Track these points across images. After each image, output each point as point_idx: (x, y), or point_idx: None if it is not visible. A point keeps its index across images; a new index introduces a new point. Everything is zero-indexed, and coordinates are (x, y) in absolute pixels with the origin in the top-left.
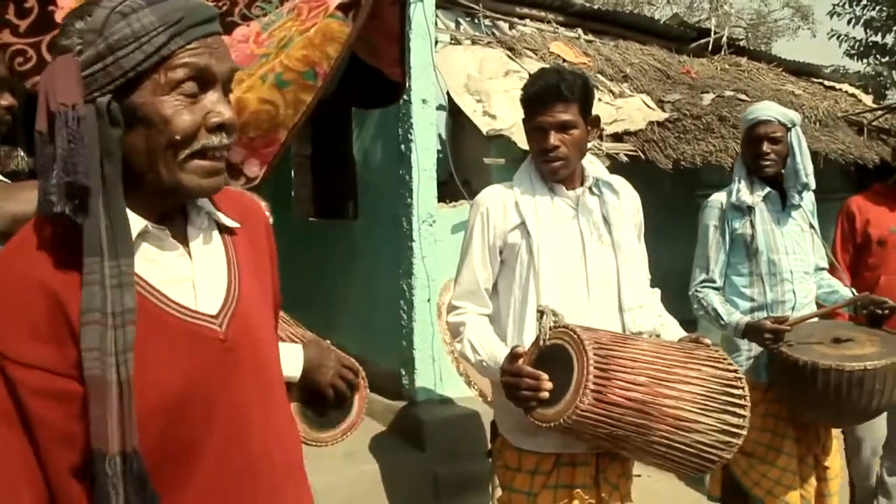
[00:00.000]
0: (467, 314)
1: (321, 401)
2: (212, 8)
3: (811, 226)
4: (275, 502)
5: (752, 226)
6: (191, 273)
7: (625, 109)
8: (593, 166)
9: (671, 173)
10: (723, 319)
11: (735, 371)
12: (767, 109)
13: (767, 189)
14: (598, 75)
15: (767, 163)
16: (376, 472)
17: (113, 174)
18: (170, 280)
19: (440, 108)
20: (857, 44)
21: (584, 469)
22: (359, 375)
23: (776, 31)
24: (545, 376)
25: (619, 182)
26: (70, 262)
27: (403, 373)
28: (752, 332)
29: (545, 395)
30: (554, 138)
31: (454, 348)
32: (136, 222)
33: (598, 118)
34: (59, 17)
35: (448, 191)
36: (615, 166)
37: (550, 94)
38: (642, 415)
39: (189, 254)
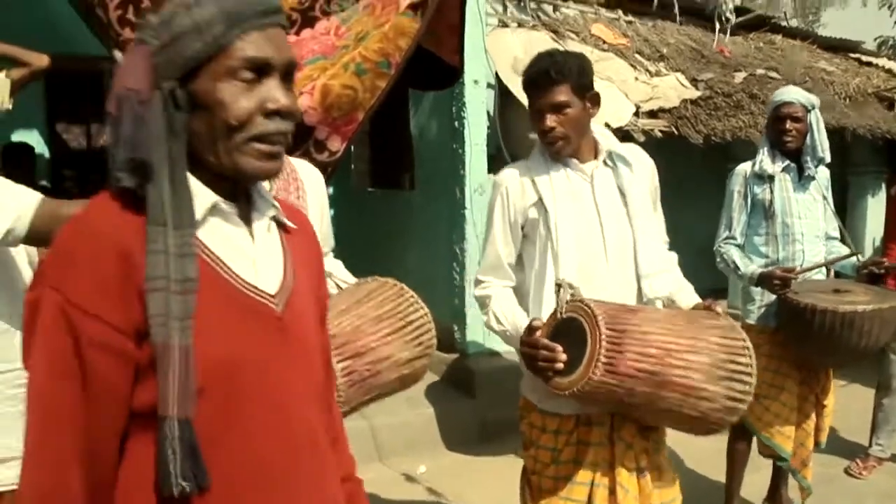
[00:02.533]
0: (492, 287)
1: None
2: (274, 1)
3: (824, 197)
4: (315, 484)
5: (771, 192)
6: (252, 252)
7: (660, 88)
8: (606, 139)
9: (702, 148)
10: (740, 270)
11: (743, 340)
12: (792, 93)
13: (787, 161)
14: (637, 55)
15: (789, 139)
16: (432, 415)
17: (178, 153)
18: (234, 254)
19: (489, 86)
20: None
21: (599, 429)
22: None
23: (825, 1)
24: (560, 348)
25: (633, 151)
26: (140, 230)
27: (456, 328)
28: (764, 280)
29: (560, 366)
30: (550, 119)
31: None
32: (208, 197)
33: (597, 94)
34: None
35: (497, 163)
36: (650, 141)
37: (542, 77)
38: (653, 384)
39: (252, 235)
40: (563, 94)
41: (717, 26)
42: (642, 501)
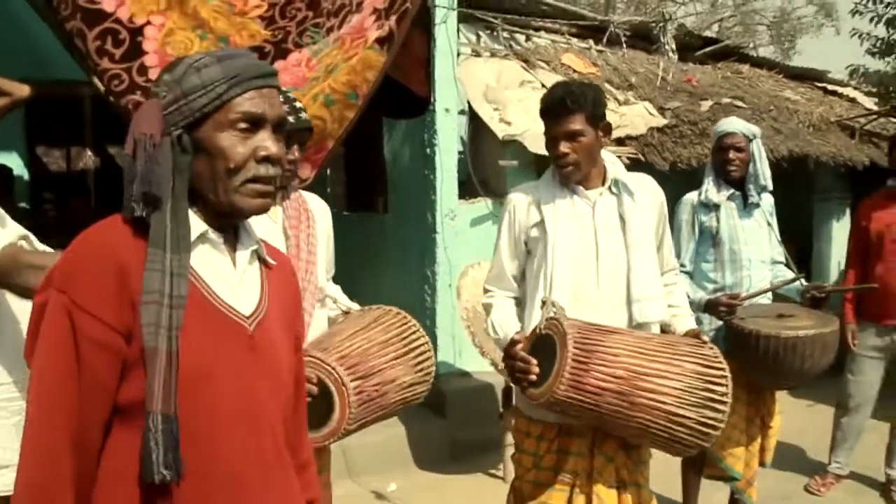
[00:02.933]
0: (495, 297)
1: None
2: (270, 67)
3: (768, 223)
4: (274, 488)
5: (718, 220)
6: (233, 277)
7: (628, 116)
8: (615, 167)
9: (668, 174)
10: (689, 297)
11: (722, 369)
12: (734, 124)
13: (732, 190)
14: (606, 84)
15: (733, 168)
16: (403, 434)
17: (181, 188)
18: (217, 277)
19: (461, 113)
20: (880, 42)
21: (579, 440)
22: (334, 386)
23: (800, 28)
24: (534, 361)
25: (642, 181)
26: (140, 250)
27: None
28: (710, 307)
29: (533, 377)
30: (564, 146)
31: (470, 326)
32: (199, 225)
33: (609, 124)
34: (146, 46)
35: (467, 189)
36: None
37: (558, 106)
38: (619, 404)
39: (234, 262)
40: (577, 123)
41: (662, 54)
42: None
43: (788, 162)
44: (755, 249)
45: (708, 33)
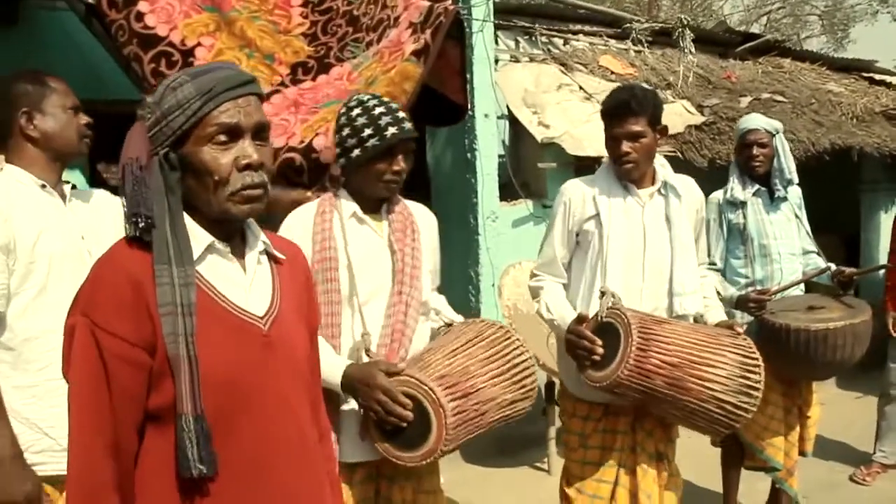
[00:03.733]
0: (545, 280)
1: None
2: (246, 75)
3: (797, 215)
4: (300, 474)
5: (745, 216)
6: (244, 281)
7: (666, 114)
8: (664, 170)
9: (707, 171)
10: (720, 294)
11: (756, 358)
12: (756, 120)
13: (757, 186)
14: (644, 84)
15: (757, 163)
16: None
17: (176, 205)
18: (228, 284)
19: (501, 118)
20: None
21: (624, 418)
22: (431, 407)
23: (853, 16)
24: (599, 342)
25: (686, 183)
26: (149, 265)
27: None
28: (741, 303)
29: (597, 357)
30: (626, 146)
31: (512, 323)
32: (205, 238)
33: (666, 127)
34: (197, 65)
35: (508, 191)
36: None
37: (622, 108)
38: (672, 388)
39: (244, 267)
40: (640, 125)
41: (681, 52)
42: (659, 483)
43: (830, 154)
44: (784, 243)
45: (756, 27)
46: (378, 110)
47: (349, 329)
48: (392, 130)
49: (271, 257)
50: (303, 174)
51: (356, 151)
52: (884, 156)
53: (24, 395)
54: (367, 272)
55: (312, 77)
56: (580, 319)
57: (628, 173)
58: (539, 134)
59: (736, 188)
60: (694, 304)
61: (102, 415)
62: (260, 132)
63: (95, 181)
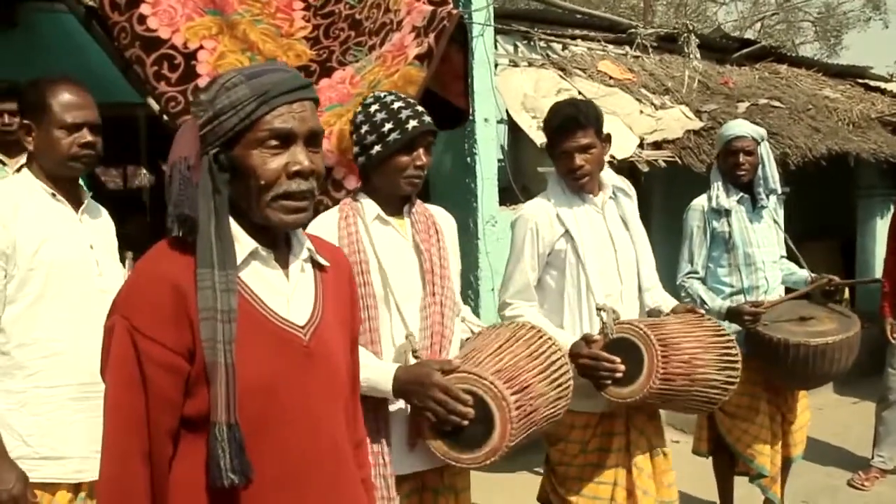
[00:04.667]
0: (521, 307)
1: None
2: (301, 79)
3: (775, 221)
4: (334, 486)
5: (729, 224)
6: (287, 290)
7: (664, 120)
8: (608, 175)
9: (705, 176)
10: (707, 304)
11: (726, 334)
12: (743, 127)
13: (741, 194)
14: (642, 89)
15: (742, 172)
16: None
17: (222, 207)
18: (270, 292)
19: (501, 122)
20: None
21: (619, 420)
22: (493, 402)
23: (846, 23)
24: (618, 360)
25: (626, 182)
26: (191, 269)
27: None
28: (733, 315)
29: (619, 376)
30: (579, 159)
31: None
32: (249, 244)
33: (609, 135)
34: (199, 69)
35: (508, 195)
36: (655, 171)
37: (570, 123)
38: (686, 382)
39: (287, 275)
40: (588, 137)
41: (687, 62)
42: (656, 478)
43: (827, 160)
44: (767, 251)
45: (750, 33)
46: (397, 105)
47: (388, 333)
48: (413, 123)
49: (315, 264)
50: None
51: (377, 147)
52: (879, 162)
53: (10, 400)
54: (398, 273)
55: (315, 81)
56: (588, 341)
57: (583, 186)
58: (538, 138)
59: (721, 196)
60: (657, 297)
61: (137, 419)
62: (313, 139)
63: (93, 184)
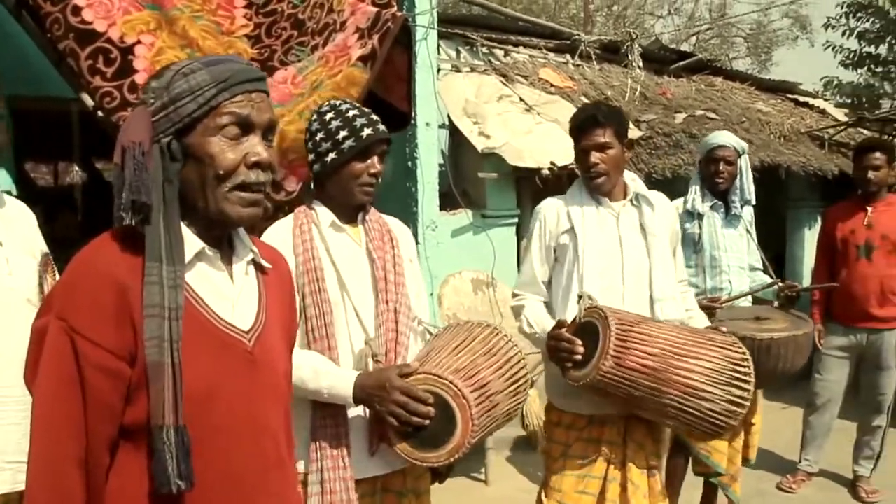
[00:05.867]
0: (526, 299)
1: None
2: (258, 70)
3: (748, 231)
4: (277, 494)
5: (700, 227)
6: (231, 293)
7: None
8: (635, 183)
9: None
10: None
11: (743, 353)
12: (726, 137)
13: (715, 200)
14: (583, 97)
15: (721, 180)
16: None
17: (171, 197)
18: (215, 295)
19: (442, 127)
20: (852, 54)
21: (612, 428)
22: (454, 400)
23: (776, 40)
24: (579, 341)
25: (658, 197)
26: (135, 265)
27: None
28: None
29: (578, 357)
30: (594, 157)
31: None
32: (195, 243)
33: (632, 141)
34: (136, 64)
35: (448, 200)
36: None
37: (589, 121)
38: (655, 380)
39: (232, 278)
40: (606, 136)
41: (628, 67)
42: (651, 500)
43: (760, 172)
44: (735, 256)
45: (686, 46)
46: (352, 113)
47: (346, 339)
48: (368, 131)
49: (258, 267)
50: None
51: (332, 155)
52: (808, 174)
53: None
54: (353, 280)
55: None
56: (559, 325)
57: (599, 186)
58: (480, 144)
59: (696, 199)
60: (675, 310)
61: (74, 426)
62: (270, 131)
63: (22, 181)
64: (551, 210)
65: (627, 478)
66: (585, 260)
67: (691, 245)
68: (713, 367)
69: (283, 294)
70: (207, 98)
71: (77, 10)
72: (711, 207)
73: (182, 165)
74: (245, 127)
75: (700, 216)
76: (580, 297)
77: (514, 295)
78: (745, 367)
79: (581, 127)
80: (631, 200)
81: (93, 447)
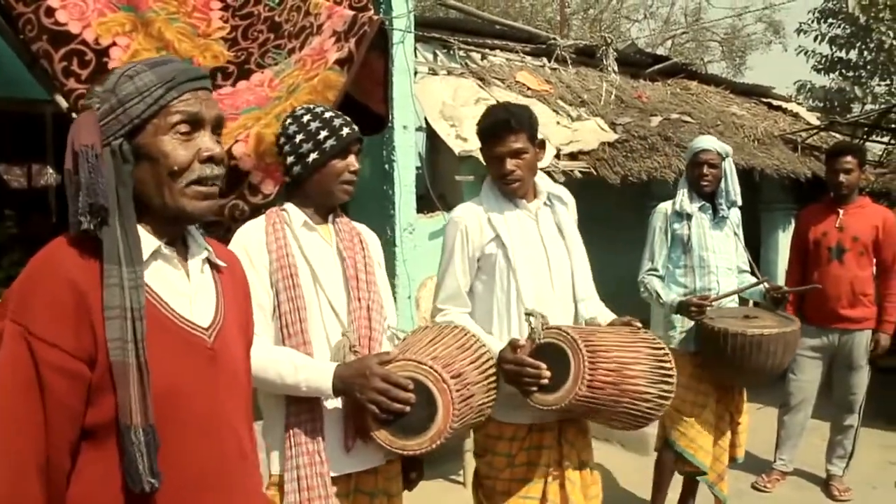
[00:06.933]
0: (452, 313)
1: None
2: (200, 69)
3: (735, 234)
4: (241, 491)
5: (689, 228)
6: (188, 290)
7: (580, 132)
8: (544, 182)
9: (619, 187)
10: (661, 299)
11: (662, 348)
12: (710, 142)
13: (703, 202)
14: (559, 101)
15: (706, 182)
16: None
17: (126, 199)
18: (173, 293)
19: (419, 129)
20: (824, 59)
21: (549, 433)
22: (434, 385)
23: (750, 44)
24: (544, 366)
25: (564, 191)
26: (93, 268)
27: None
28: (682, 307)
29: (545, 382)
30: (510, 164)
31: None
32: (151, 242)
33: (543, 141)
34: (111, 66)
35: (425, 203)
36: (570, 182)
37: (502, 127)
38: (615, 393)
39: (187, 274)
40: (521, 142)
41: (604, 70)
42: (584, 491)
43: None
44: (722, 257)
45: (661, 50)
46: (328, 114)
47: (322, 333)
48: (346, 130)
49: (213, 265)
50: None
51: (314, 155)
52: (782, 177)
53: None
54: (326, 277)
55: (232, 83)
56: (515, 346)
57: (515, 191)
58: (457, 147)
59: (684, 201)
60: (594, 307)
61: (34, 432)
62: (219, 126)
63: None
64: (472, 219)
65: (565, 476)
66: (518, 269)
67: (680, 246)
68: (648, 368)
69: (238, 295)
70: (156, 98)
71: (51, 12)
72: (700, 209)
73: (134, 166)
74: (195, 124)
75: (689, 217)
76: (529, 314)
77: (438, 310)
78: (668, 361)
79: (493, 133)
80: (545, 201)
81: (53, 451)
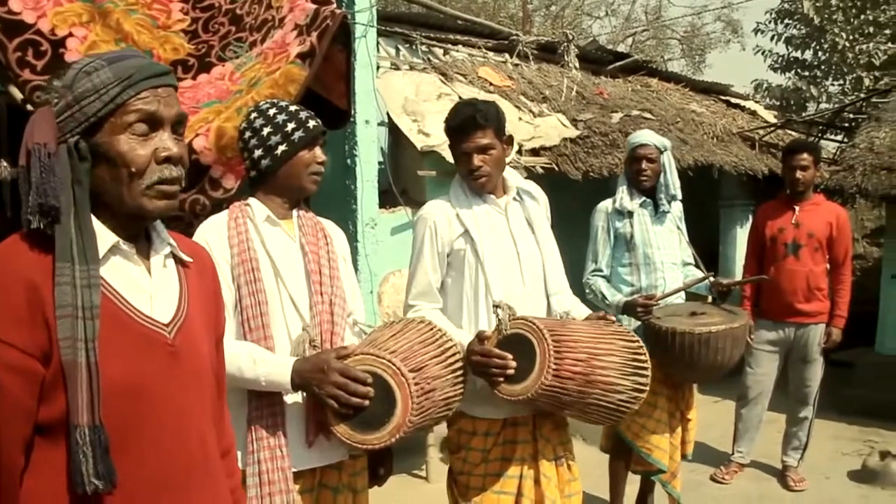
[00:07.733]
0: (424, 310)
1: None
2: (163, 66)
3: (678, 227)
4: (205, 491)
5: (632, 226)
6: (148, 286)
7: (542, 127)
8: (513, 177)
9: (581, 183)
10: (607, 300)
11: (637, 341)
12: (647, 136)
13: (644, 198)
14: (521, 96)
15: (644, 178)
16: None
17: (82, 198)
18: (132, 289)
19: (381, 124)
20: (780, 59)
21: (524, 427)
22: (392, 378)
23: (709, 43)
24: (510, 356)
25: (535, 187)
26: (47, 265)
27: None
28: (628, 308)
29: (511, 372)
30: (477, 160)
31: None
32: (109, 238)
33: (511, 137)
34: (68, 58)
35: (388, 198)
36: (532, 177)
37: (469, 123)
38: (583, 383)
39: (149, 271)
40: (487, 138)
41: (565, 66)
42: (560, 487)
43: (694, 171)
44: (667, 253)
45: (622, 47)
46: (292, 108)
47: (283, 329)
48: (312, 123)
49: (178, 260)
50: None
51: (282, 147)
52: (740, 174)
53: None
54: (288, 272)
55: (193, 76)
56: (481, 338)
57: (483, 186)
58: (419, 142)
59: (624, 198)
60: (566, 301)
61: None
62: (178, 125)
63: None
64: (440, 215)
65: (540, 471)
66: (487, 264)
67: (624, 244)
68: (622, 360)
69: (206, 286)
70: (112, 96)
71: (3, 0)
72: (640, 205)
73: (92, 164)
74: (153, 123)
75: (630, 214)
76: (497, 306)
77: (409, 306)
78: (643, 354)
79: (460, 129)
80: (514, 196)
81: (6, 448)
